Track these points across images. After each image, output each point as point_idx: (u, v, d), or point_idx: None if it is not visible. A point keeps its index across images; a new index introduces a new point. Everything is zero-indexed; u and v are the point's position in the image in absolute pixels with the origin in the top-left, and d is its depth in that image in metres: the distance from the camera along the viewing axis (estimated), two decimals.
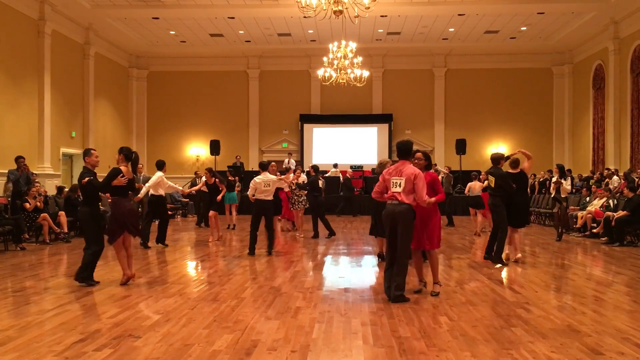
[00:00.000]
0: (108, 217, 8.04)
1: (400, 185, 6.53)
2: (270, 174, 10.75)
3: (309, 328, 5.43)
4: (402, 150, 6.80)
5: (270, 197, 10.61)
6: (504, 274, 8.71)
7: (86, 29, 21.01)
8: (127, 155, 7.70)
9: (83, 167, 7.75)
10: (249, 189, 10.64)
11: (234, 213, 16.21)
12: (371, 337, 5.13)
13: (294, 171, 14.71)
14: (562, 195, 13.18)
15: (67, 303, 6.50)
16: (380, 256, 9.60)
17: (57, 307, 6.29)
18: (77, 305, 6.44)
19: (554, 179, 13.47)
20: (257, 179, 10.56)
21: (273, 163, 11.26)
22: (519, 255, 9.52)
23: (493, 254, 9.43)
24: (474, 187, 14.97)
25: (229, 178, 16.91)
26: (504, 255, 9.36)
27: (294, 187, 13.46)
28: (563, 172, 13.37)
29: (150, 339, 5.03)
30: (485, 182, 14.57)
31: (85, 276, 7.48)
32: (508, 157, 9.80)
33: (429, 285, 7.05)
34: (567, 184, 13.39)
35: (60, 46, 19.27)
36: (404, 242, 6.52)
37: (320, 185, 13.78)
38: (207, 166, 15.04)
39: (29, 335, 5.16)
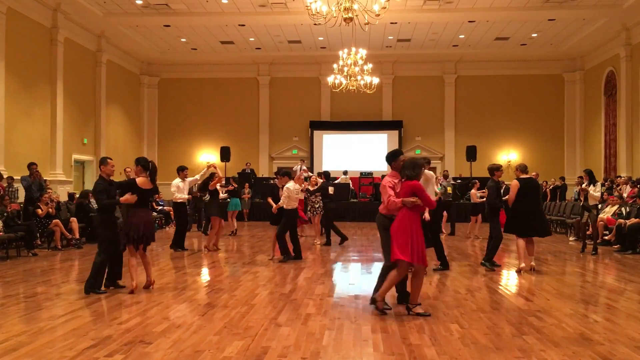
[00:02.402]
0: (121, 223, 8.00)
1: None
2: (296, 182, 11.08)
3: (320, 335, 5.42)
4: (386, 159, 6.88)
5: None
6: (516, 281, 8.66)
7: (98, 36, 21.21)
8: (144, 165, 7.72)
9: (99, 176, 7.83)
10: (283, 198, 10.63)
11: (234, 219, 16.20)
12: (382, 345, 5.11)
13: (309, 177, 14.78)
14: (591, 203, 12.03)
15: (78, 309, 6.54)
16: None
17: (68, 313, 6.33)
18: (89, 311, 6.47)
19: (583, 185, 12.42)
20: (290, 186, 10.61)
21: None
22: (522, 265, 9.36)
23: (483, 258, 9.83)
24: (472, 194, 15.65)
25: (233, 185, 16.92)
26: (526, 266, 9.25)
27: (308, 195, 13.50)
28: (593, 178, 12.10)
29: (161, 345, 5.05)
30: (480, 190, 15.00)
31: (91, 285, 7.44)
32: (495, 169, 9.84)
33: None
34: (594, 191, 12.00)
35: (72, 54, 19.45)
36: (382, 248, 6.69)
37: (331, 192, 13.76)
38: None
39: (41, 340, 5.19)
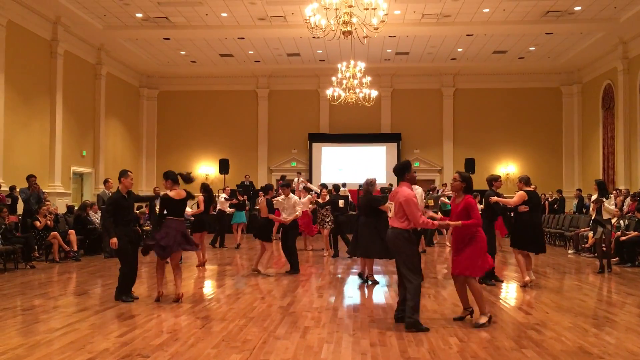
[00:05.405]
0: (155, 234, 8.14)
1: (391, 210, 6.34)
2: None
3: (318, 348, 5.40)
4: (396, 172, 6.57)
5: None
6: (514, 294, 8.64)
7: (98, 49, 21.30)
8: (174, 179, 8.06)
9: (117, 190, 7.97)
10: (291, 211, 10.88)
11: (239, 232, 16.18)
12: (380, 358, 5.09)
13: (320, 191, 14.74)
14: (605, 218, 10.95)
15: (75, 322, 6.50)
16: (360, 276, 9.77)
17: (65, 325, 6.30)
18: (86, 324, 6.44)
19: (593, 197, 11.39)
20: (295, 198, 11.11)
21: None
22: (527, 278, 9.27)
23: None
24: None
25: (239, 198, 16.87)
26: (526, 280, 9.16)
27: (319, 208, 13.68)
28: (603, 190, 11.09)
29: (158, 359, 5.02)
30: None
31: (118, 293, 7.80)
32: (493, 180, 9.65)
33: (475, 314, 6.52)
34: (609, 204, 11.00)
35: (72, 66, 19.52)
36: (400, 266, 6.34)
37: (341, 205, 13.69)
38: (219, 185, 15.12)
39: (38, 354, 5.16)
